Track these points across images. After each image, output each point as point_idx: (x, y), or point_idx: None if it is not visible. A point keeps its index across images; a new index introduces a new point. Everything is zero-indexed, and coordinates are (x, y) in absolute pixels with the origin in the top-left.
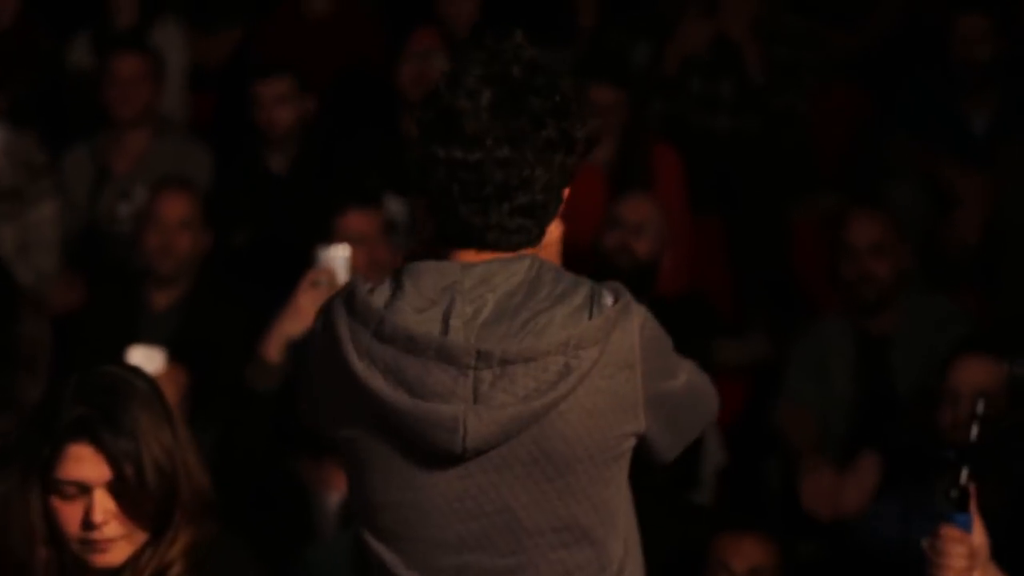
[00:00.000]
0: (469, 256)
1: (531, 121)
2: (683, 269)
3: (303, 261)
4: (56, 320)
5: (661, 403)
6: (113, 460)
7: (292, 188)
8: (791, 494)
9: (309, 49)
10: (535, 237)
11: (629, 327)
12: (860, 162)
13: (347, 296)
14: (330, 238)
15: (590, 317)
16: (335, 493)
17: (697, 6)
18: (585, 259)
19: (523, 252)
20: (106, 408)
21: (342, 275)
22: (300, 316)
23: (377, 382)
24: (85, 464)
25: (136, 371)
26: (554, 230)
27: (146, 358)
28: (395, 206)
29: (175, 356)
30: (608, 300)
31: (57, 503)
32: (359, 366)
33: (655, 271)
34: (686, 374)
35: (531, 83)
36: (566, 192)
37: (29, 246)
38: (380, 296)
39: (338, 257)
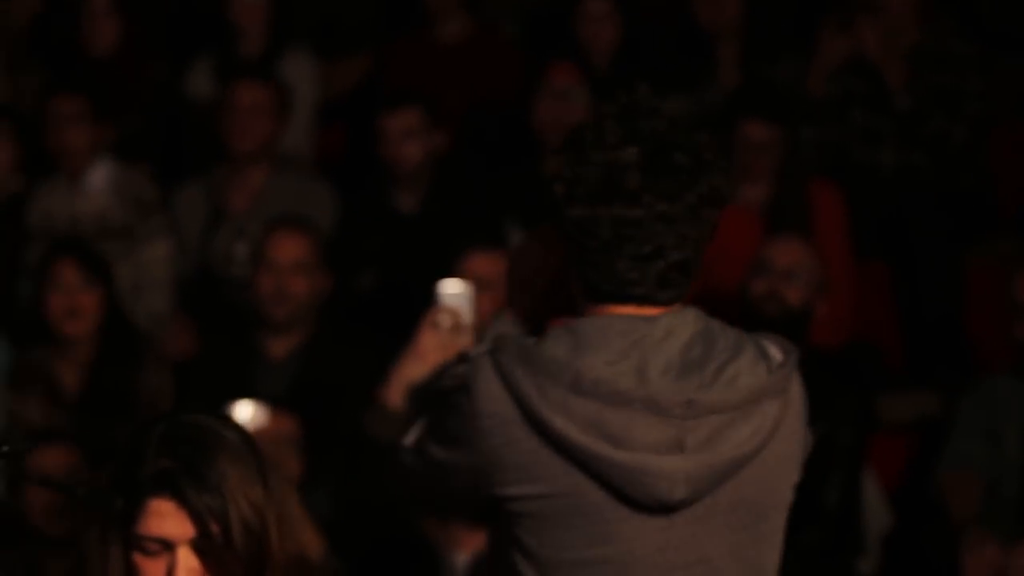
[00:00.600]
0: (626, 311)
1: (683, 177)
2: (845, 319)
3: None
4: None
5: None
6: (197, 517)
7: (421, 228)
8: (952, 567)
9: (441, 77)
10: (685, 292)
11: (799, 379)
12: None
13: (520, 352)
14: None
15: (768, 369)
16: (463, 553)
17: (835, 20)
18: (733, 306)
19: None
20: (191, 461)
21: (466, 314)
22: (422, 359)
23: (578, 436)
24: (167, 520)
25: (227, 421)
26: None
27: (248, 414)
28: None
29: (291, 407)
30: (774, 352)
31: (139, 560)
32: (557, 421)
33: (808, 320)
34: None
35: (674, 139)
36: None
37: (141, 287)
38: (559, 350)
39: (461, 294)
